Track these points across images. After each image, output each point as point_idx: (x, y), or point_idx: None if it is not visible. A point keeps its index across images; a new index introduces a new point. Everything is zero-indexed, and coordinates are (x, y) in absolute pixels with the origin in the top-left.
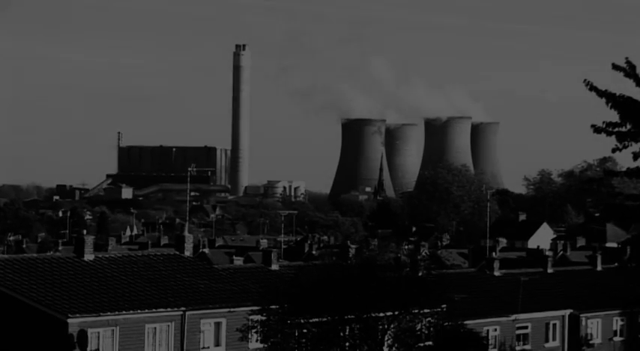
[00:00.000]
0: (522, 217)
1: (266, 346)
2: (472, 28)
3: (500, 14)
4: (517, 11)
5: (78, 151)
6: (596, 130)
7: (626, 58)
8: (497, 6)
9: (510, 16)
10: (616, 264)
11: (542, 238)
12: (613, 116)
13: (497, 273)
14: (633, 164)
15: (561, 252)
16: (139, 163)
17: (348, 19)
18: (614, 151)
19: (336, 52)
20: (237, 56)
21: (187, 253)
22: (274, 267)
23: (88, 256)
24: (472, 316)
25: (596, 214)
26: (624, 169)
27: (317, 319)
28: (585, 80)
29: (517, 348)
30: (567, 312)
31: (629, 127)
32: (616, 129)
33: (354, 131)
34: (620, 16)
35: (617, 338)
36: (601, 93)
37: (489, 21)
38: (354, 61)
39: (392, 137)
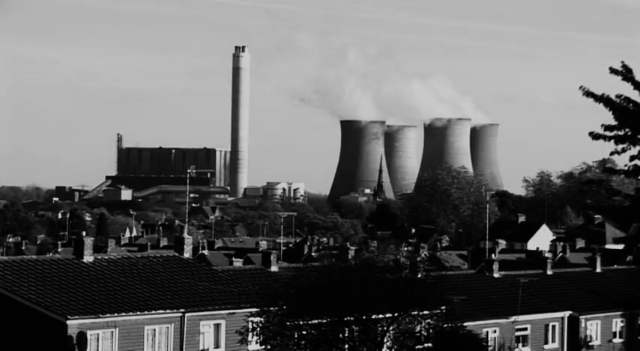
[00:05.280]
0: (522, 218)
1: (265, 347)
2: (471, 30)
3: (500, 16)
4: (516, 13)
5: (77, 153)
6: (594, 137)
7: (622, 61)
8: (497, 8)
9: (510, 17)
10: (615, 266)
11: (542, 239)
12: (611, 118)
13: (496, 275)
14: (631, 164)
15: (560, 253)
16: (138, 165)
17: (348, 20)
18: (612, 154)
19: (337, 54)
20: (236, 58)
21: (187, 254)
22: (274, 269)
23: (88, 258)
24: (471, 318)
25: (593, 213)
26: (624, 168)
27: (316, 321)
28: (581, 87)
29: (516, 350)
30: (567, 314)
31: (626, 130)
32: (614, 132)
33: (353, 133)
34: (619, 18)
35: (617, 340)
36: (598, 98)
37: (489, 23)
38: (354, 63)
39: (391, 139)
